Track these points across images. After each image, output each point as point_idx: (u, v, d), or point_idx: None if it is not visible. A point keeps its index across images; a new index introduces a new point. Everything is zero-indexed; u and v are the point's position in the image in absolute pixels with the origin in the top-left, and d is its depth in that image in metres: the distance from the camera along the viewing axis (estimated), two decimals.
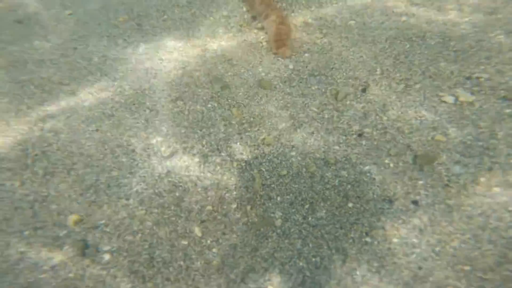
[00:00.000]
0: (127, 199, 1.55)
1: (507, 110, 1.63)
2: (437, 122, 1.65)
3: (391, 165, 1.57)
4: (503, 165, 1.47)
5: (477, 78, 1.75)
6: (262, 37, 2.21)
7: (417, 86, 1.79)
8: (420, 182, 1.49)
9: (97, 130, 1.75)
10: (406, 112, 1.71)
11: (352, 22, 2.16)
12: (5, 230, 1.49)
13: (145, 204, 1.54)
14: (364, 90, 1.83)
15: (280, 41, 2.07)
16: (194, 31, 2.37)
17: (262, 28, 2.27)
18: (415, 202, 1.46)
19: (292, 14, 2.27)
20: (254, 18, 2.37)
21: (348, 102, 1.80)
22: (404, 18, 2.10)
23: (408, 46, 1.96)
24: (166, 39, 2.29)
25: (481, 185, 1.43)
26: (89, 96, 1.92)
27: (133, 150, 1.69)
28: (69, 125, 1.77)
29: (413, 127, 1.66)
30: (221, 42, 2.25)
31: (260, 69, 1.99)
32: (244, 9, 2.43)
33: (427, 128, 1.64)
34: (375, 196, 1.50)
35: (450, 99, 1.71)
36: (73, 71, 2.11)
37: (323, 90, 1.87)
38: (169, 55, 2.16)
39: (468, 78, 1.76)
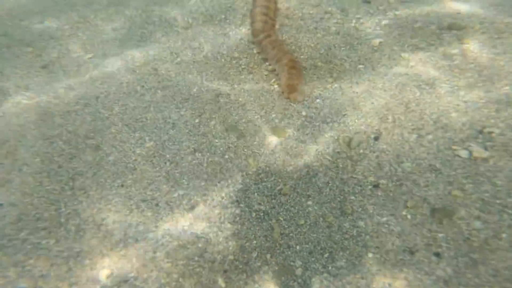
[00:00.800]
0: (154, 252, 1.66)
1: None
2: (452, 177, 1.70)
3: (409, 217, 1.62)
4: None
5: (489, 132, 1.79)
6: (273, 79, 2.31)
7: (430, 137, 1.84)
8: (440, 235, 1.54)
9: (122, 185, 1.87)
10: (420, 164, 1.76)
11: (361, 66, 2.24)
12: (42, 286, 1.62)
13: (171, 257, 1.64)
14: (376, 139, 1.90)
15: (292, 86, 2.15)
16: (207, 73, 2.49)
17: (273, 70, 2.37)
18: (437, 254, 1.51)
19: (302, 57, 2.36)
20: (264, 60, 2.46)
21: (361, 151, 1.87)
22: (412, 64, 2.16)
23: (418, 94, 2.01)
24: (180, 86, 2.41)
25: (503, 241, 1.47)
26: (112, 149, 2.06)
27: (157, 204, 1.80)
28: (96, 182, 1.91)
29: (429, 180, 1.71)
30: (233, 85, 2.36)
31: (273, 115, 2.08)
32: (255, 51, 2.54)
33: (443, 183, 1.68)
34: (394, 247, 1.55)
35: (464, 153, 1.76)
36: (97, 121, 2.25)
37: (336, 137, 1.94)
38: (185, 103, 2.28)
39: (480, 132, 1.80)
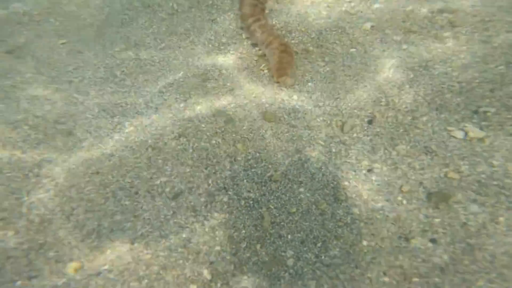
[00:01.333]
0: (132, 243, 1.49)
1: None
2: (448, 159, 1.62)
3: (404, 202, 1.53)
4: None
5: (485, 112, 1.74)
6: (263, 64, 2.20)
7: (424, 118, 1.77)
8: (437, 220, 1.46)
9: (97, 172, 1.69)
10: (415, 146, 1.69)
11: (353, 50, 2.16)
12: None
13: (151, 248, 1.47)
14: (370, 122, 1.81)
15: (282, 70, 2.05)
16: (194, 59, 2.35)
17: (263, 55, 2.27)
18: (433, 240, 1.43)
19: (292, 41, 2.28)
20: (254, 45, 2.36)
21: (355, 135, 1.78)
22: (404, 46, 2.12)
23: (412, 75, 1.96)
24: (164, 71, 2.26)
25: (501, 224, 1.41)
26: (87, 135, 1.87)
27: (137, 193, 1.63)
28: (67, 169, 1.72)
29: (424, 163, 1.63)
30: (221, 71, 2.23)
31: (264, 100, 1.97)
32: (244, 36, 2.44)
33: (438, 165, 1.61)
34: (390, 233, 1.46)
35: (459, 134, 1.69)
36: (70, 106, 2.06)
37: (329, 121, 1.85)
38: (170, 87, 2.13)
39: (475, 112, 1.75)
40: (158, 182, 1.67)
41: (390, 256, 1.41)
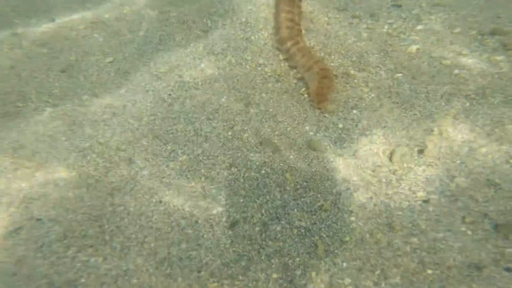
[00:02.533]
0: (199, 271, 1.64)
1: None
2: None
3: (469, 232, 1.59)
4: None
5: None
6: (303, 89, 2.23)
7: (483, 150, 1.78)
8: (508, 249, 1.51)
9: (160, 201, 1.83)
10: (476, 179, 1.71)
11: (400, 75, 2.16)
12: None
13: (215, 276, 1.62)
14: (421, 152, 1.84)
15: (322, 95, 2.08)
16: (234, 81, 2.40)
17: (302, 78, 2.29)
18: (508, 269, 1.47)
19: (332, 64, 2.26)
20: (292, 67, 2.37)
21: (405, 165, 1.82)
22: (456, 71, 2.07)
23: (468, 104, 1.93)
24: (208, 95, 2.32)
25: None
26: (146, 163, 2.00)
27: (197, 222, 1.77)
28: (134, 197, 1.86)
29: (488, 195, 1.67)
30: (261, 94, 2.28)
31: (307, 127, 2.03)
32: (281, 57, 2.44)
33: (503, 198, 1.65)
34: (456, 263, 1.52)
35: None
36: (127, 133, 2.18)
37: (376, 150, 1.90)
38: (216, 113, 2.20)
39: None
40: (214, 211, 1.80)
41: (461, 284, 1.47)
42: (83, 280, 1.60)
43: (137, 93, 2.45)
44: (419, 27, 2.43)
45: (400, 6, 2.63)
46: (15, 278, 1.64)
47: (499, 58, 2.13)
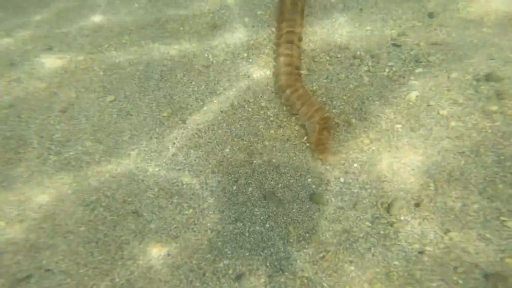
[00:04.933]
0: None
1: None
2: (504, 246, 2.01)
3: (460, 282, 1.95)
4: None
5: None
6: (305, 137, 2.58)
7: (475, 206, 2.14)
8: None
9: (168, 255, 2.18)
10: (468, 233, 2.07)
11: (399, 126, 2.51)
12: None
13: None
14: (417, 205, 2.20)
15: (323, 146, 2.41)
16: (236, 127, 2.74)
17: (303, 126, 2.62)
18: None
19: (334, 111, 2.61)
20: (293, 114, 2.71)
21: (402, 217, 2.18)
22: (453, 124, 2.42)
23: (462, 162, 2.29)
24: (212, 144, 2.67)
25: None
26: (153, 216, 2.35)
27: (204, 274, 2.11)
28: (143, 252, 2.21)
29: (479, 248, 2.02)
30: (264, 142, 2.62)
31: (310, 180, 2.39)
32: (282, 101, 2.79)
33: (493, 251, 2.00)
34: None
35: None
36: (133, 185, 2.53)
37: (374, 203, 2.26)
38: (220, 165, 2.56)
39: None
40: (221, 264, 2.15)
41: None
42: None
43: (141, 140, 2.80)
44: (418, 70, 2.77)
45: (399, 46, 2.97)
46: None
47: (493, 108, 2.47)
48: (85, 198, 2.52)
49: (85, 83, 3.39)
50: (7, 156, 2.92)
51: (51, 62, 3.69)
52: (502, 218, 2.10)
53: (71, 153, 2.83)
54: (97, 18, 4.08)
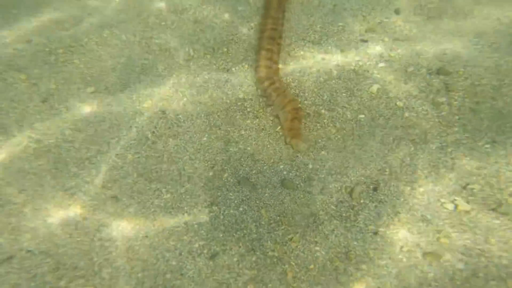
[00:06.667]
0: None
1: (497, 221, 2.28)
2: (441, 226, 2.30)
3: (404, 259, 2.22)
4: (497, 265, 2.11)
5: (471, 188, 2.40)
6: (279, 127, 2.80)
7: (421, 189, 2.42)
8: (430, 274, 2.14)
9: (146, 236, 2.36)
10: (413, 215, 2.35)
11: (362, 116, 2.77)
12: None
13: None
14: (375, 189, 2.46)
15: (294, 132, 2.63)
16: (215, 118, 2.94)
17: (277, 116, 2.85)
18: None
19: (306, 102, 2.85)
20: (268, 105, 2.94)
21: (362, 201, 2.43)
22: (406, 114, 2.71)
23: (412, 149, 2.58)
24: (190, 133, 2.86)
25: (480, 278, 2.10)
26: (131, 201, 2.52)
27: (180, 253, 2.30)
28: (121, 233, 2.38)
29: (421, 229, 2.30)
30: (240, 132, 2.84)
31: (282, 167, 2.60)
32: (259, 92, 3.01)
33: (432, 231, 2.28)
34: (393, 286, 2.13)
35: (450, 206, 2.37)
36: (113, 171, 2.70)
37: (339, 187, 2.50)
38: (198, 153, 2.74)
39: (464, 187, 2.42)
40: (196, 245, 2.34)
41: None
42: None
43: (121, 130, 2.97)
44: (381, 64, 3.08)
45: (366, 41, 3.27)
46: None
47: (441, 100, 2.79)
48: (64, 183, 2.68)
49: (64, 74, 3.52)
50: None
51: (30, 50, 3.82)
52: (442, 200, 2.39)
53: (50, 141, 2.98)
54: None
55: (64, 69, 3.57)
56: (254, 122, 2.89)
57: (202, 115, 2.97)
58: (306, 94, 2.96)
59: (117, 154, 2.77)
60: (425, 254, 2.20)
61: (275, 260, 2.27)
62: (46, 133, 3.00)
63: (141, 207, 2.50)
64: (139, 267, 2.28)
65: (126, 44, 3.71)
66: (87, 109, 3.16)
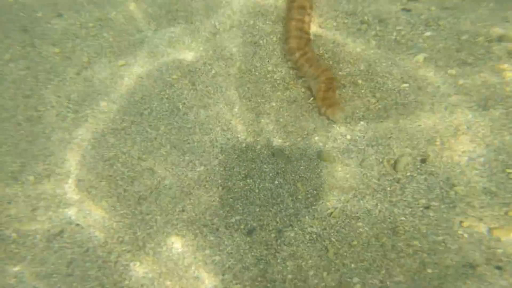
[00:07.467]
0: (223, 275, 1.76)
1: None
2: (509, 199, 1.78)
3: (466, 235, 1.74)
4: None
5: None
6: (311, 98, 2.24)
7: (481, 159, 1.87)
8: (499, 250, 1.67)
9: (183, 210, 1.89)
10: (474, 188, 1.83)
11: (405, 85, 2.19)
12: None
13: (238, 278, 1.75)
14: (424, 161, 1.95)
15: (329, 101, 2.06)
16: (243, 89, 2.35)
17: (309, 88, 2.26)
18: (498, 267, 1.64)
19: (340, 73, 2.23)
20: (300, 76, 2.35)
21: (408, 174, 1.94)
22: (461, 81, 2.09)
23: (470, 116, 1.98)
24: (221, 105, 2.35)
25: None
26: (166, 173, 2.03)
27: (217, 229, 1.85)
28: (160, 206, 1.92)
29: (483, 202, 1.80)
30: (271, 103, 2.26)
31: (317, 138, 2.13)
32: (289, 64, 2.38)
33: (498, 204, 1.78)
34: (454, 262, 1.69)
35: None
36: (146, 142, 2.19)
37: (380, 160, 2.01)
38: (229, 123, 2.24)
39: None
40: (233, 220, 1.88)
41: (457, 281, 1.64)
42: (126, 282, 1.75)
43: (152, 101, 2.42)
44: (427, 33, 2.37)
45: (409, 10, 2.54)
46: (71, 279, 1.72)
47: (502, 66, 2.10)
48: (103, 154, 2.21)
49: (95, 48, 2.93)
50: (28, 113, 2.54)
51: (62, 25, 3.17)
52: (507, 170, 1.84)
53: (88, 111, 2.44)
54: None
55: (94, 43, 2.95)
56: (285, 94, 2.35)
57: (232, 87, 2.39)
58: (341, 65, 2.40)
59: (150, 125, 2.26)
60: (491, 229, 1.72)
61: (314, 236, 1.87)
62: (81, 104, 2.46)
63: (176, 180, 2.06)
64: (179, 242, 1.91)
65: (153, 17, 3.04)
66: (118, 81, 2.59)
